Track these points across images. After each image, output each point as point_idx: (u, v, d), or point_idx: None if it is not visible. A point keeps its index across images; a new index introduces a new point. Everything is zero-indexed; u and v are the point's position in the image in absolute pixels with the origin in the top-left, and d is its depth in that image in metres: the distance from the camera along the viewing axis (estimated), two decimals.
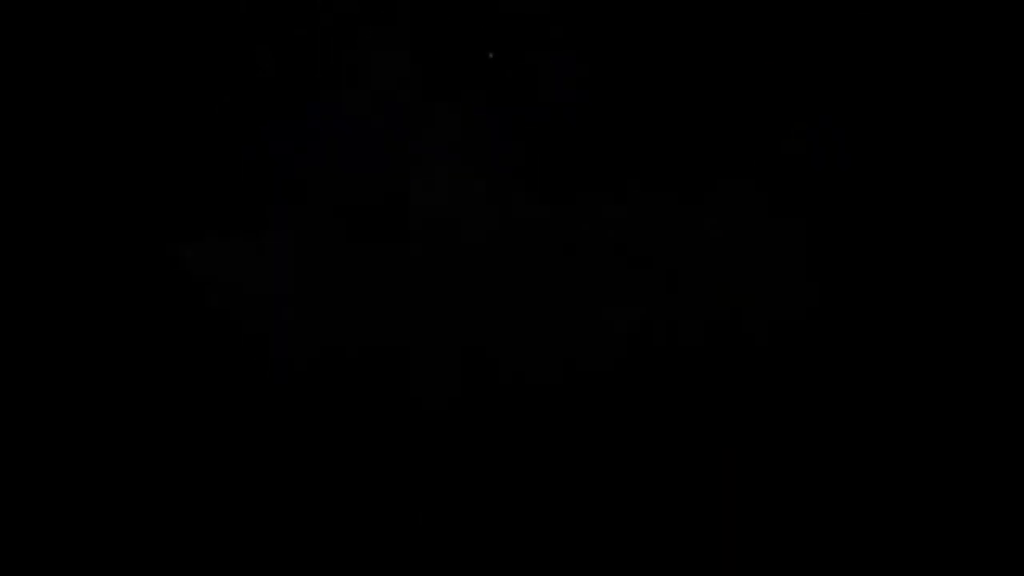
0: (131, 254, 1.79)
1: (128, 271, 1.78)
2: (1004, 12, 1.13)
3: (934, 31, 1.17)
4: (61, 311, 1.69)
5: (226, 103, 1.96)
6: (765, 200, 1.95)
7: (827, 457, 1.59)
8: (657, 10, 1.86)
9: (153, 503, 1.57)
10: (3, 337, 1.61)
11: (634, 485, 1.65)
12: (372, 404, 1.73)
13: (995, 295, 1.31)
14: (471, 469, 1.67)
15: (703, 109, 1.79)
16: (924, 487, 1.48)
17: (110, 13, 1.73)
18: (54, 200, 1.69)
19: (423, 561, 1.55)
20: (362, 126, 2.05)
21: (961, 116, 1.45)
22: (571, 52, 2.79)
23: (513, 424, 1.70)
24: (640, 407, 1.69)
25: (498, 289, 1.83)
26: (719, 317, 1.75)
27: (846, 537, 1.50)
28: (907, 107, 1.47)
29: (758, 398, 1.70)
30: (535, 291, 1.82)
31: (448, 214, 1.92)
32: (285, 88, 2.15)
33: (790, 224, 1.89)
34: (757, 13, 1.72)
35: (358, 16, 2.62)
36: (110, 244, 1.77)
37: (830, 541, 1.51)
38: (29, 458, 1.55)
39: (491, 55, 2.03)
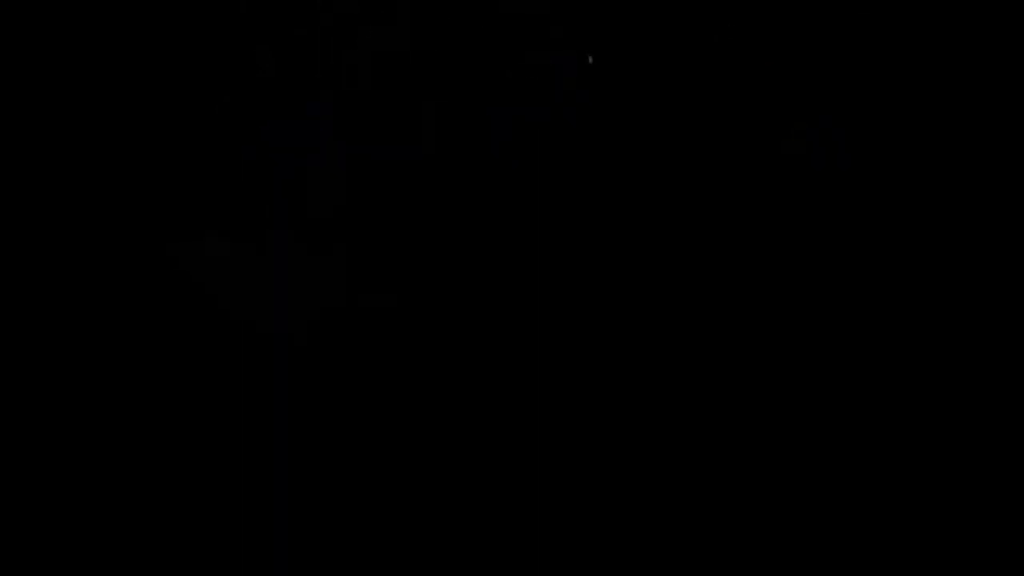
0: (131, 253, 1.79)
1: (127, 270, 1.78)
2: (1003, 12, 1.13)
3: (933, 31, 1.17)
4: (61, 310, 1.69)
5: (226, 103, 1.96)
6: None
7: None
8: (657, 10, 1.86)
9: (152, 499, 1.56)
10: (4, 334, 1.61)
11: None
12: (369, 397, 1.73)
13: (995, 294, 1.30)
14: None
15: (703, 110, 1.79)
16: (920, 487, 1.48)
17: (110, 13, 1.73)
18: (54, 200, 1.69)
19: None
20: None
21: (961, 116, 1.44)
22: (571, 52, 2.79)
23: None
24: None
25: None
26: None
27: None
28: (906, 107, 1.47)
29: None
30: None
31: None
32: (285, 88, 2.15)
33: None
34: (758, 14, 1.71)
35: (358, 16, 2.62)
36: (110, 244, 1.77)
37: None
38: (28, 454, 1.55)
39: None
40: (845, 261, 1.71)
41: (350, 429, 1.71)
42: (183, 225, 1.86)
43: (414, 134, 2.07)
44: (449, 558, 1.52)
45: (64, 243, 1.71)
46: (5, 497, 1.49)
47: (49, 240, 1.69)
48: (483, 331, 1.79)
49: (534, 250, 1.87)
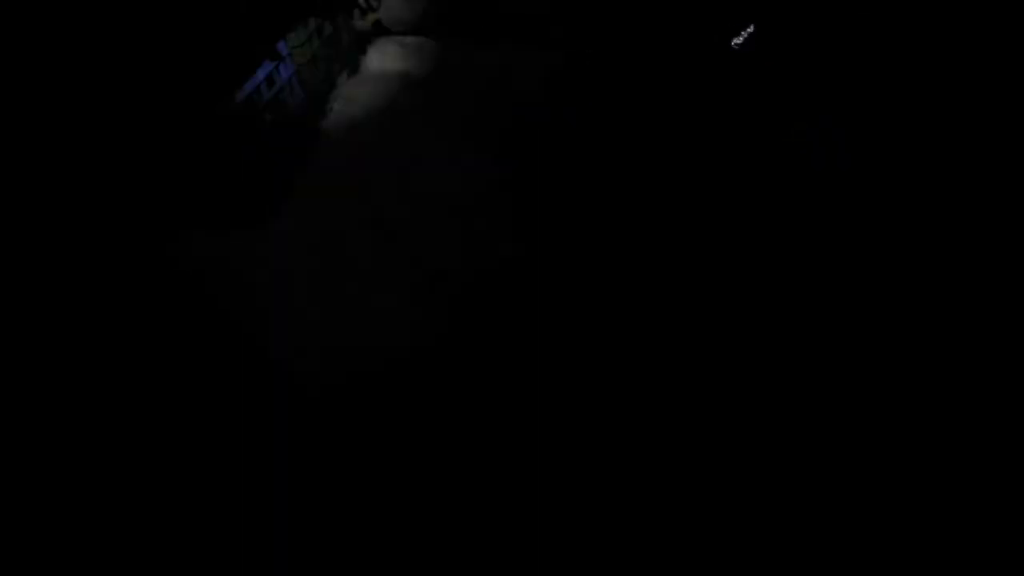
0: (135, 249, 1.78)
1: (132, 266, 1.78)
2: (1002, 13, 1.12)
3: (932, 31, 1.17)
4: (66, 306, 1.69)
5: (226, 102, 1.95)
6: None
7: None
8: (656, 10, 1.85)
9: (157, 494, 1.56)
10: (9, 330, 1.61)
11: None
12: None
13: (995, 293, 1.30)
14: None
15: (703, 109, 1.79)
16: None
17: (111, 13, 1.73)
18: (56, 200, 1.69)
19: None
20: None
21: (960, 116, 1.44)
22: (570, 50, 2.78)
23: None
24: None
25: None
26: None
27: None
28: (906, 108, 1.46)
29: None
30: None
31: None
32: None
33: None
34: (758, 15, 1.71)
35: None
36: (113, 240, 1.76)
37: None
38: (31, 449, 1.55)
39: None
40: (844, 259, 1.70)
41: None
42: (186, 221, 1.86)
43: None
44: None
45: (66, 241, 1.70)
46: (8, 497, 1.49)
47: (51, 240, 1.69)
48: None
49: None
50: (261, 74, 2.03)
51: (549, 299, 1.83)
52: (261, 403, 1.70)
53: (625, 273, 1.91)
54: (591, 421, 1.76)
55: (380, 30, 2.82)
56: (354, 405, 1.76)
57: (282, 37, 2.10)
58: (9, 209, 1.62)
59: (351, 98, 2.50)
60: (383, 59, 2.72)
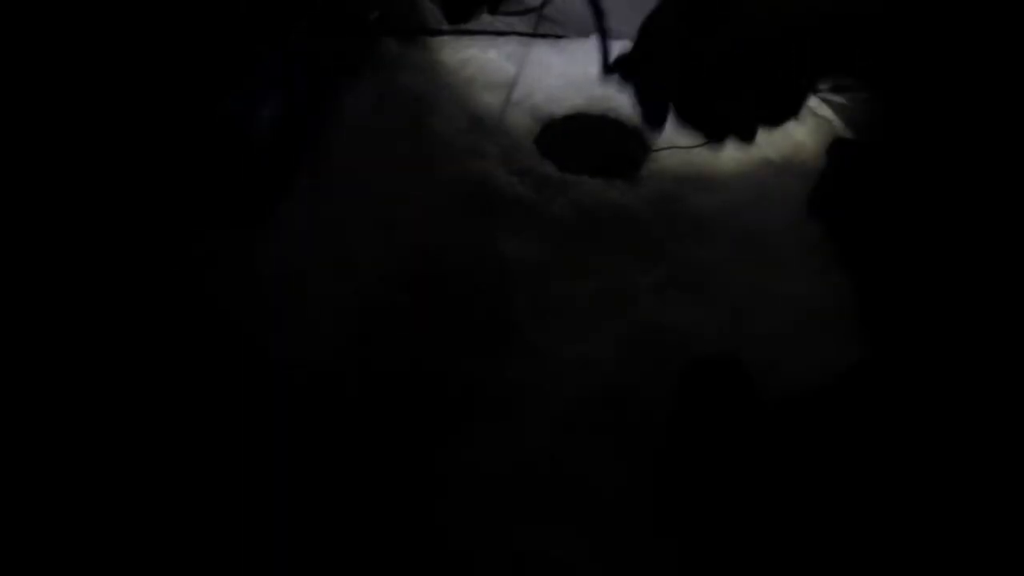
0: (135, 248, 1.78)
1: (132, 265, 1.78)
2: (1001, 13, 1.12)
3: (932, 32, 1.16)
4: (66, 305, 1.68)
5: (226, 103, 1.96)
6: None
7: None
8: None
9: (155, 493, 1.56)
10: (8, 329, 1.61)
11: None
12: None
13: (996, 294, 1.30)
14: None
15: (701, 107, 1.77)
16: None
17: (110, 13, 1.73)
18: (59, 200, 1.68)
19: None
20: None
21: (961, 116, 1.43)
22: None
23: None
24: None
25: None
26: None
27: None
28: (906, 108, 1.46)
29: None
30: None
31: None
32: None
33: None
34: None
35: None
36: (111, 239, 1.76)
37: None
38: (30, 450, 1.55)
39: None
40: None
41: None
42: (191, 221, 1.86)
43: None
44: None
45: (70, 241, 1.70)
46: (7, 498, 1.48)
47: (54, 240, 1.69)
48: None
49: None
50: (262, 72, 2.03)
51: None
52: (261, 403, 1.70)
53: None
54: None
55: (380, 29, 2.82)
56: (355, 405, 1.76)
57: (282, 35, 2.10)
58: (10, 209, 1.62)
59: (353, 96, 2.51)
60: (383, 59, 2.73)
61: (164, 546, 1.49)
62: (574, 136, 2.60)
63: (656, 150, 2.41)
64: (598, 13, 1.52)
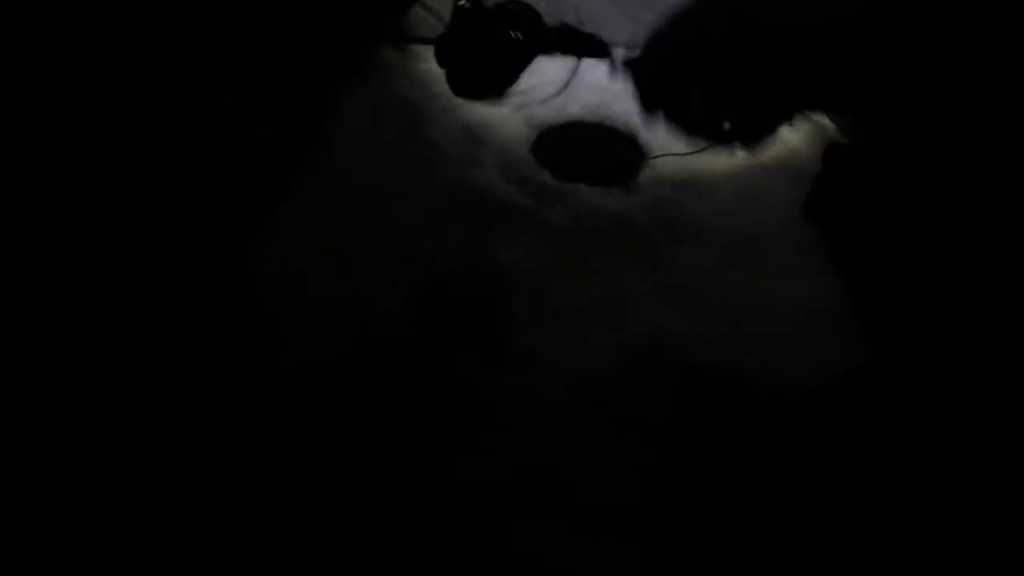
0: (135, 248, 1.77)
1: (132, 265, 1.77)
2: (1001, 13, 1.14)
3: (931, 32, 1.18)
4: (68, 305, 1.67)
5: (227, 102, 1.96)
6: None
7: None
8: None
9: (153, 492, 1.55)
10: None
11: None
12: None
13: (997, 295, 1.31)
14: None
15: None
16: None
17: (110, 13, 1.73)
18: (58, 199, 1.68)
19: None
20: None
21: (955, 119, 1.45)
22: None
23: None
24: None
25: None
26: None
27: None
28: (904, 108, 1.48)
29: None
30: None
31: None
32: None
33: None
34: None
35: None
36: (112, 239, 1.75)
37: None
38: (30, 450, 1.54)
39: None
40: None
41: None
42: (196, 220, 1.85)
43: None
44: None
45: (66, 243, 1.69)
46: (9, 497, 1.47)
47: (57, 240, 1.68)
48: None
49: None
50: (262, 72, 2.04)
51: None
52: (261, 403, 1.70)
53: None
54: None
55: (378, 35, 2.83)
56: (355, 406, 1.76)
57: (282, 35, 2.11)
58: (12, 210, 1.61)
59: (353, 100, 2.51)
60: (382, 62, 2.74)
61: (163, 545, 1.48)
62: (571, 144, 2.61)
63: (652, 157, 2.43)
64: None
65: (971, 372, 1.31)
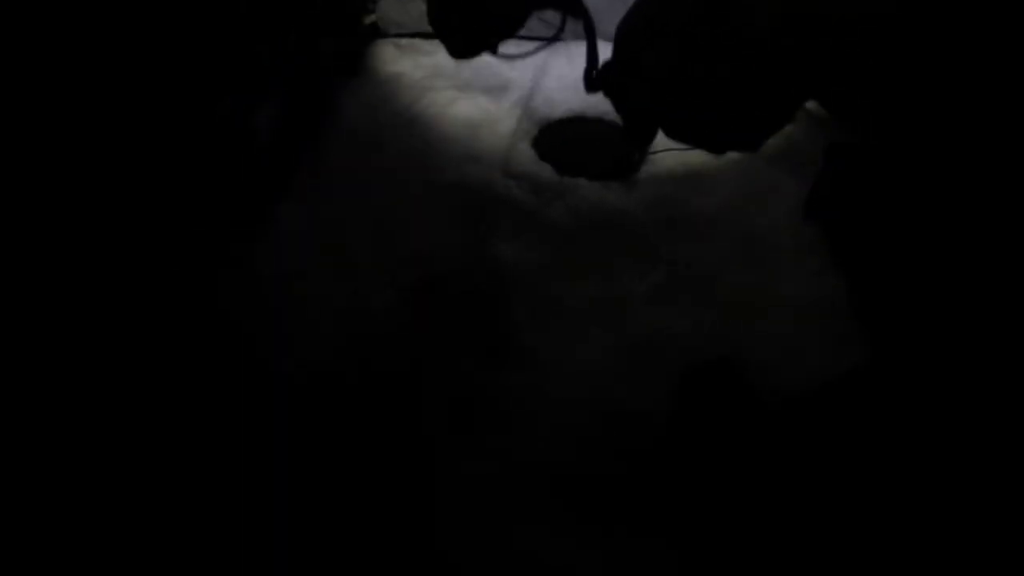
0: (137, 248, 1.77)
1: (133, 265, 1.77)
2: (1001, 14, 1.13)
3: (930, 32, 1.17)
4: (70, 306, 1.68)
5: (227, 102, 1.95)
6: None
7: None
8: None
9: (152, 492, 1.55)
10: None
11: None
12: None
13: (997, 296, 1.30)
14: None
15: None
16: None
17: (110, 14, 1.72)
18: (58, 199, 1.68)
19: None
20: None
21: (957, 119, 1.44)
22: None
23: None
24: None
25: None
26: None
27: None
28: (904, 108, 1.47)
29: None
30: None
31: None
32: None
33: None
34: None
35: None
36: (113, 239, 1.75)
37: None
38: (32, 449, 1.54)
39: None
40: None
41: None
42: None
43: None
44: None
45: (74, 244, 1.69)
46: (8, 498, 1.47)
47: (58, 242, 1.68)
48: None
49: None
50: (262, 72, 2.03)
51: None
52: (261, 402, 1.70)
53: None
54: None
55: (377, 32, 2.82)
56: (354, 405, 1.76)
57: (282, 35, 2.10)
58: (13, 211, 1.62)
59: (352, 98, 2.51)
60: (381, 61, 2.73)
61: (164, 542, 1.48)
62: (571, 140, 2.60)
63: (653, 152, 2.42)
64: (589, 27, 1.53)
65: (971, 371, 1.31)
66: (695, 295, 2.03)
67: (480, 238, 2.13)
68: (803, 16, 1.20)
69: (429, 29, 2.83)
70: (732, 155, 2.24)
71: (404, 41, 2.84)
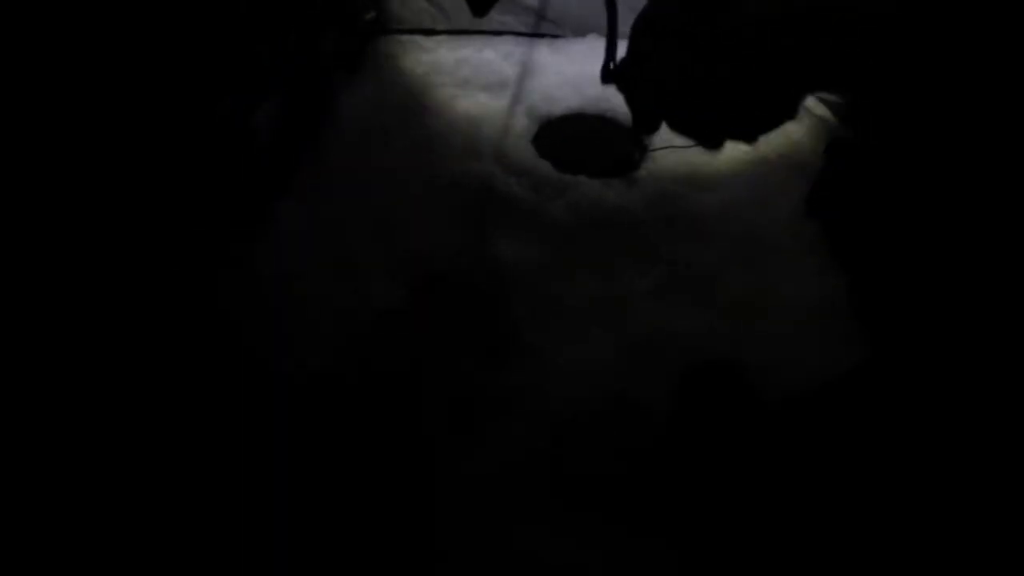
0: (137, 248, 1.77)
1: (134, 266, 1.77)
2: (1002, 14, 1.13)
3: (930, 31, 1.17)
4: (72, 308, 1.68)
5: (227, 102, 1.95)
6: None
7: None
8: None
9: (151, 493, 1.56)
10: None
11: None
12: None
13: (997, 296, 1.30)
14: None
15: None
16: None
17: (110, 14, 1.72)
18: (58, 199, 1.68)
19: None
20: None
21: (957, 117, 1.44)
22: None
23: None
24: None
25: None
26: None
27: None
28: (903, 108, 1.46)
29: None
30: None
31: None
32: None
33: None
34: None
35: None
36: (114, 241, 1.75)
37: None
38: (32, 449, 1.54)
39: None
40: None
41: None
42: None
43: None
44: None
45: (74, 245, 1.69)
46: (8, 498, 1.48)
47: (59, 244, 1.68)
48: None
49: None
50: (262, 72, 2.03)
51: None
52: (261, 403, 1.70)
53: None
54: None
55: (376, 29, 2.81)
56: (355, 406, 1.76)
57: (282, 34, 2.10)
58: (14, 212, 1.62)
59: (352, 96, 2.50)
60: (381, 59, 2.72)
61: (164, 543, 1.49)
62: (571, 137, 2.60)
63: (653, 150, 2.41)
64: (612, 21, 1.52)
65: (972, 371, 1.31)
66: (695, 294, 2.02)
67: (480, 237, 2.13)
68: (803, 16, 1.19)
69: (429, 25, 2.86)
70: (732, 154, 2.25)
71: (404, 38, 2.83)
